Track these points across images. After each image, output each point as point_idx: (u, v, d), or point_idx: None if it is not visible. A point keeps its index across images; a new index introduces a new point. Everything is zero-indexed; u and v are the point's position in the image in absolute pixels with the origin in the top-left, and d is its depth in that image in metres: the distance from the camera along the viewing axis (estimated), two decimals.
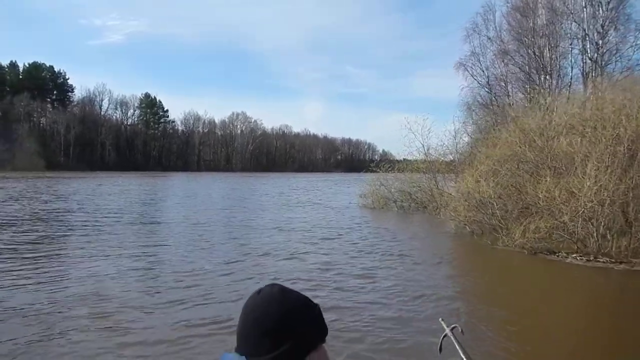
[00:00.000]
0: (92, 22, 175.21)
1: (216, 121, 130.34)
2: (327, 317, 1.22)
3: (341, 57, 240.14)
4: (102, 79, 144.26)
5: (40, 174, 65.24)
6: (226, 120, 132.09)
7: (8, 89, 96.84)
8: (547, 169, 12.66)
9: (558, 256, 11.15)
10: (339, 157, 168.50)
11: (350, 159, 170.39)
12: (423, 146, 24.58)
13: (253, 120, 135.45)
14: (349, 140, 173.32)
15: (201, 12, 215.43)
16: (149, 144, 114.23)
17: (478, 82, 34.00)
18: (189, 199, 28.15)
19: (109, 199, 26.89)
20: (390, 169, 26.72)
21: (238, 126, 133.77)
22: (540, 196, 11.69)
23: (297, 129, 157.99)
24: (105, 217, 18.11)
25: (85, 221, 16.34)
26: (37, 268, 9.27)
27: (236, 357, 1.09)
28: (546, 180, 11.93)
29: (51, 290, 7.75)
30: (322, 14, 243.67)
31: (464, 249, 13.56)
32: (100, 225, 15.42)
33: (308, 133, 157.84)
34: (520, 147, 14.05)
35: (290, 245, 12.44)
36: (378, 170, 26.95)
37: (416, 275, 9.54)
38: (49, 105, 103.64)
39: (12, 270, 8.98)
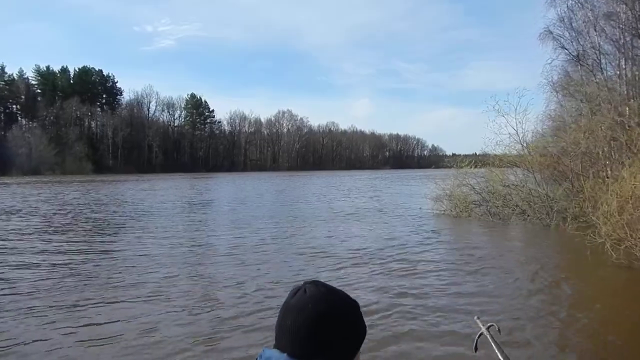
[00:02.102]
0: (144, 29, 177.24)
1: (262, 120, 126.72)
2: None
3: (389, 51, 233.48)
4: (152, 82, 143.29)
5: (82, 178, 62.87)
6: (272, 118, 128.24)
7: (60, 94, 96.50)
8: None
9: None
10: (387, 153, 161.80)
11: (398, 155, 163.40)
12: (517, 133, 18.33)
13: (299, 118, 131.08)
14: (397, 136, 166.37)
15: (249, 13, 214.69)
16: (195, 145, 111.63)
17: (570, 53, 27.54)
18: (235, 206, 22.55)
19: (148, 208, 22.22)
20: (472, 164, 20.61)
21: (284, 124, 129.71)
22: None
23: (343, 126, 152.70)
24: (140, 237, 13.24)
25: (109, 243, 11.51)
26: None
27: (280, 355, 1.04)
28: None
29: None
30: (369, 8, 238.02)
31: None
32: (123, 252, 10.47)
33: (355, 130, 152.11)
34: None
35: (369, 301, 6.82)
36: (452, 165, 20.95)
37: None
38: (98, 109, 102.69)
39: None
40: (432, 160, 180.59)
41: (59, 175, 71.61)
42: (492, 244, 12.41)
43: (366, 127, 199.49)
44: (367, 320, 1.20)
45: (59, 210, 20.08)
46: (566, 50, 28.10)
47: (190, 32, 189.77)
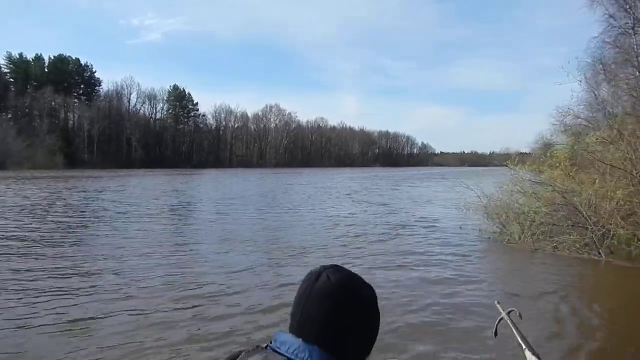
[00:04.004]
0: (130, 22, 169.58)
1: (249, 114, 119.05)
2: None
3: (378, 49, 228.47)
4: (138, 76, 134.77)
5: (50, 173, 55.07)
6: (259, 113, 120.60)
7: (34, 83, 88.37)
8: None
9: None
10: (377, 150, 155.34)
11: (388, 152, 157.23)
12: (609, 108, 11.83)
13: (287, 113, 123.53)
14: (387, 133, 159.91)
15: (237, 7, 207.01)
16: (178, 140, 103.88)
17: (635, 17, 21.43)
18: (205, 221, 15.56)
19: (83, 219, 15.41)
20: (518, 162, 14.27)
21: (272, 119, 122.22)
22: None
23: (332, 122, 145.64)
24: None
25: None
26: None
27: (295, 339, 0.99)
28: None
29: None
30: (359, 6, 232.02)
31: None
32: None
33: (344, 126, 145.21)
34: None
35: None
36: (504, 164, 14.57)
37: None
38: (75, 100, 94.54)
39: None
40: (422, 158, 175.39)
41: (25, 170, 63.88)
42: None
43: (355, 123, 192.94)
44: None
45: None
46: (628, 15, 21.99)
47: (177, 25, 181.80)
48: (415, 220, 15.37)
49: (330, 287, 1.01)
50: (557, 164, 12.72)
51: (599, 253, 9.31)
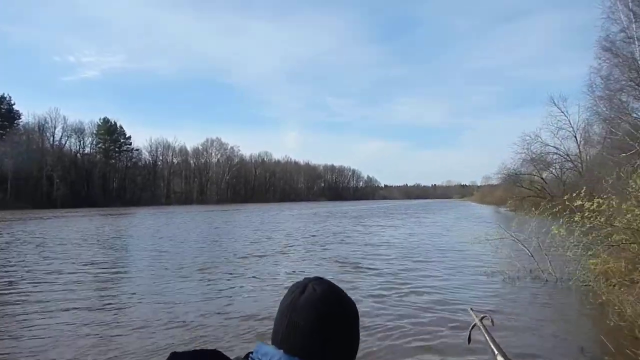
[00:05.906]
0: (66, 59, 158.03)
1: (188, 149, 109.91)
2: None
3: (321, 86, 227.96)
4: (74, 115, 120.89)
5: None
6: (199, 147, 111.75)
7: None
8: None
9: None
10: (322, 184, 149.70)
11: (334, 186, 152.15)
12: None
13: (229, 147, 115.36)
14: (332, 167, 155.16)
15: (178, 46, 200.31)
16: (108, 176, 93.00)
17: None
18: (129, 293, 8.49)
19: None
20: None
21: (213, 154, 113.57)
22: None
23: (277, 156, 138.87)
24: None
25: None
26: None
27: (276, 351, 0.97)
28: None
29: None
30: (301, 44, 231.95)
31: None
32: None
33: (289, 160, 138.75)
34: None
35: None
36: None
37: None
38: None
39: None
40: (368, 191, 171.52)
41: None
42: None
43: (300, 158, 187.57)
44: None
45: None
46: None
47: (117, 63, 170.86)
48: (451, 323, 8.02)
49: (316, 297, 1.00)
50: None
51: None
